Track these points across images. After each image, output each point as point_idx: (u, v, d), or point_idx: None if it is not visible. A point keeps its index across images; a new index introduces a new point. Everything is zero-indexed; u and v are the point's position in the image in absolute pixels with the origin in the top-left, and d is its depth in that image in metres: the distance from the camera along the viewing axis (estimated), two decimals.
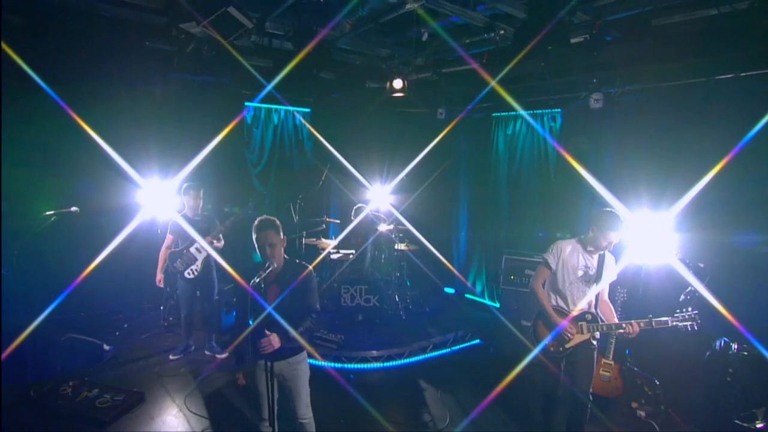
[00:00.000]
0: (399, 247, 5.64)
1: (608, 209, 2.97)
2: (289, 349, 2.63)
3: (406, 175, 6.33)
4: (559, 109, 5.39)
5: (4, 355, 3.47)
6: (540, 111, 5.55)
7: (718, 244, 3.69)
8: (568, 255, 3.07)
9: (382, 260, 5.62)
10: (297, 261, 2.76)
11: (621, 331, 2.99)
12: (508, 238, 5.87)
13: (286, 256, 2.74)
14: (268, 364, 2.49)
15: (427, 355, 4.82)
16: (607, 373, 3.89)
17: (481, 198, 6.46)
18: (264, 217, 2.66)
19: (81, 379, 3.92)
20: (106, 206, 5.10)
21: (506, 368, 4.08)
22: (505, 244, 5.59)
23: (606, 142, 4.82)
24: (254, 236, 2.60)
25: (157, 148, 5.43)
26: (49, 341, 4.12)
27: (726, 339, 3.53)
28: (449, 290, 6.80)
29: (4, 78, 3.97)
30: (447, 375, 4.51)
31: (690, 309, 2.91)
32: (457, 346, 5.05)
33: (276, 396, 2.66)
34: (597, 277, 3.04)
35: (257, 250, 2.61)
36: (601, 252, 3.04)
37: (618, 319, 3.16)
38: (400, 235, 5.64)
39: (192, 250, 4.25)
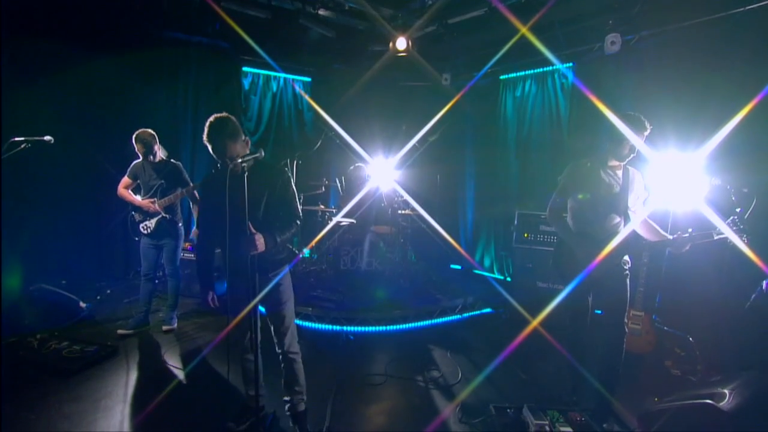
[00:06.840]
0: (403, 213, 5.28)
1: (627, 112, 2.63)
2: (270, 261, 2.32)
3: (410, 149, 6.03)
4: (571, 63, 5.10)
5: None
6: (551, 68, 5.27)
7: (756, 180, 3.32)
8: (588, 174, 2.71)
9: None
10: (266, 162, 2.32)
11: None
12: (520, 205, 5.49)
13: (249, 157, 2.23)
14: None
15: (433, 321, 4.39)
16: (637, 326, 3.48)
17: (489, 167, 6.11)
18: (217, 117, 2.20)
19: (50, 333, 3.54)
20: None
21: (521, 331, 3.73)
22: (516, 210, 5.21)
23: (624, 90, 4.49)
24: (209, 145, 2.18)
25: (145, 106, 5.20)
26: (17, 294, 3.73)
27: None
28: (455, 266, 6.39)
29: None
30: (457, 338, 4.08)
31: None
32: (467, 313, 4.63)
33: (258, 320, 2.35)
34: (623, 195, 2.67)
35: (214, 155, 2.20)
36: (625, 165, 2.70)
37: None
38: (402, 199, 5.26)
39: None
